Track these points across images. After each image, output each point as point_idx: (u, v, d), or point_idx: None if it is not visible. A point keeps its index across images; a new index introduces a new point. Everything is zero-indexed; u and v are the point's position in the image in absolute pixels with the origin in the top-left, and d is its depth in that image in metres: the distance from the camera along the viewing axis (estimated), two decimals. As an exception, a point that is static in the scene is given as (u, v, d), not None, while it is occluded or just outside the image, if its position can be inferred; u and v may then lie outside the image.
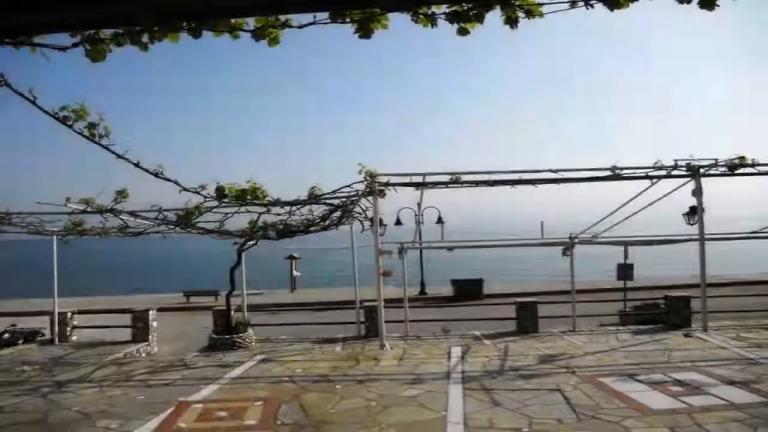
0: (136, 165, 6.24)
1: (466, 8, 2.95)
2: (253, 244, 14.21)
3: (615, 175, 11.28)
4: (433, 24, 3.02)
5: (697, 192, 11.62)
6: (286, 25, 3.12)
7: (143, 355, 13.45)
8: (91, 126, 5.12)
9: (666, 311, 13.99)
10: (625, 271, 16.60)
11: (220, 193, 9.15)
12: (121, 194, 9.28)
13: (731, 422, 6.36)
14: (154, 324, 14.65)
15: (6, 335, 14.46)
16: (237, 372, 10.22)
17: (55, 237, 13.66)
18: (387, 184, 11.12)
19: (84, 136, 5.10)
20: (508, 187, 11.51)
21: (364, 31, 3.04)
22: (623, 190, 12.12)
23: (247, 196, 9.56)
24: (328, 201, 11.03)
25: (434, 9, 2.98)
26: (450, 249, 19.51)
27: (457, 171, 11.48)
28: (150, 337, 14.33)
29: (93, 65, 3.09)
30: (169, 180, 7.30)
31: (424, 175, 11.49)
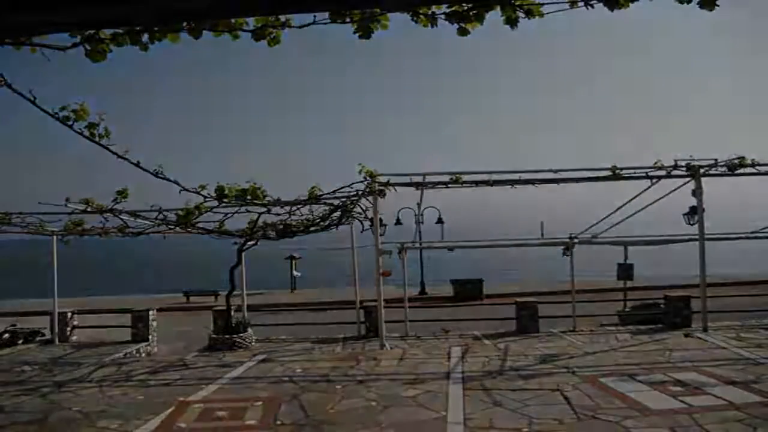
0: (137, 165, 6.25)
1: (466, 8, 2.95)
2: (253, 244, 14.22)
3: (615, 175, 11.29)
4: (434, 24, 3.03)
5: (697, 192, 11.62)
6: (286, 25, 3.13)
7: (143, 355, 13.45)
8: (92, 126, 5.12)
9: (666, 311, 13.98)
10: (625, 271, 16.59)
11: (220, 193, 9.16)
12: (121, 194, 9.28)
13: (731, 422, 6.36)
14: (154, 324, 14.65)
15: (6, 335, 14.47)
16: (237, 372, 10.22)
17: (55, 237, 13.66)
18: (387, 184, 11.12)
19: (84, 136, 5.10)
20: (508, 187, 11.53)
21: (365, 31, 3.04)
22: (624, 190, 12.13)
23: (247, 196, 9.57)
24: (328, 201, 11.04)
25: (434, 9, 2.98)
26: (450, 249, 19.52)
27: (457, 171, 11.50)
28: (150, 337, 14.32)
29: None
30: (168, 180, 7.31)
31: (424, 175, 11.49)
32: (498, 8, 3.00)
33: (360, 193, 10.93)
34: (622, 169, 11.27)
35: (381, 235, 12.39)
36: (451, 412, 7.15)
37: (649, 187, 11.61)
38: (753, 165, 11.41)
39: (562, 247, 14.47)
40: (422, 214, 16.82)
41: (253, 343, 13.24)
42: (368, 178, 10.74)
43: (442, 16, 3.01)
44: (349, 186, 10.50)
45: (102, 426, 7.15)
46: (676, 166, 11.29)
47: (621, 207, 12.34)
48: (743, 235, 14.37)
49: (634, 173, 11.35)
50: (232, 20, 3.02)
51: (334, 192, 10.47)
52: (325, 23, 3.01)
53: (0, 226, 11.75)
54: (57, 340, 14.63)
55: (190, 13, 2.74)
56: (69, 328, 14.91)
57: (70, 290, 24.86)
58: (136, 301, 26.31)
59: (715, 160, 11.39)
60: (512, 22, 3.03)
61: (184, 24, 2.92)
